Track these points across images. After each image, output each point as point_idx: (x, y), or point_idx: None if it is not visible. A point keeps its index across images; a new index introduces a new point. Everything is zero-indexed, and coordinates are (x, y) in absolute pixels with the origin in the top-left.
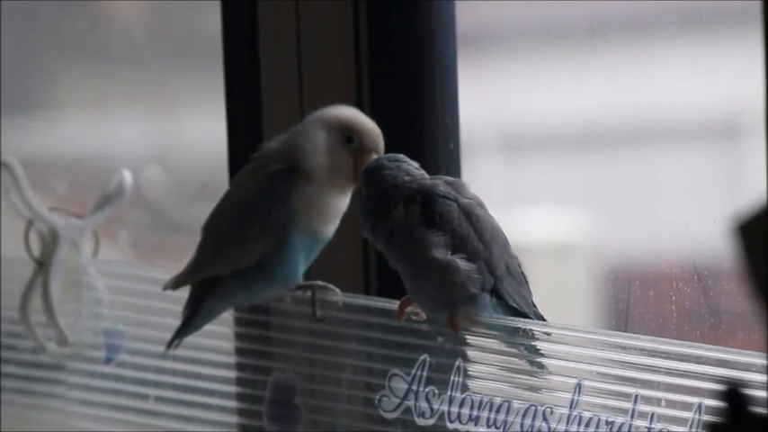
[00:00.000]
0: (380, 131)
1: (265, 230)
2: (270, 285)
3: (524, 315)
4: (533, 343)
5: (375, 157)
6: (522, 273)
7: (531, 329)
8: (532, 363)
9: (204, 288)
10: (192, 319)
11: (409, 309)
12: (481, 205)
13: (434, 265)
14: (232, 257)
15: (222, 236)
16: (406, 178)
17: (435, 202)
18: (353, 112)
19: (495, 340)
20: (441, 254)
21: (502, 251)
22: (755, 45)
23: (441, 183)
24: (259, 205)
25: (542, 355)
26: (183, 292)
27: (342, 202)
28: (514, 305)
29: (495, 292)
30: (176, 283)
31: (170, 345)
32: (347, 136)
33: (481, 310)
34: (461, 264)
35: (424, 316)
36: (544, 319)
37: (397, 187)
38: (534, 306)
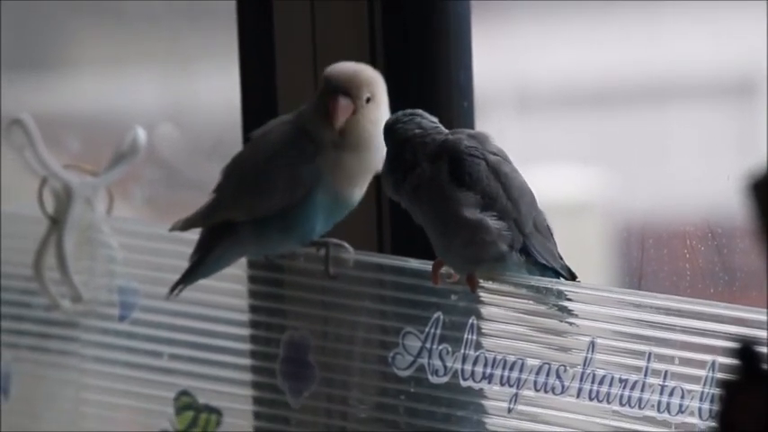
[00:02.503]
0: (353, 71)
1: (290, 183)
2: (285, 239)
3: (552, 269)
4: (558, 297)
5: (339, 97)
6: (548, 226)
7: (555, 288)
8: (561, 308)
9: (216, 233)
10: (201, 264)
11: (443, 270)
12: (507, 160)
13: (465, 224)
14: (251, 203)
15: (244, 180)
16: (417, 131)
17: (464, 161)
18: (336, 64)
19: (509, 298)
20: (471, 213)
21: (530, 208)
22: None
23: (464, 137)
24: (287, 157)
25: (568, 300)
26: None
27: (367, 164)
28: (543, 261)
29: (524, 250)
30: (186, 225)
31: (174, 289)
32: (320, 92)
33: (509, 268)
34: (492, 222)
35: (457, 277)
36: (571, 271)
37: (409, 140)
38: (561, 258)
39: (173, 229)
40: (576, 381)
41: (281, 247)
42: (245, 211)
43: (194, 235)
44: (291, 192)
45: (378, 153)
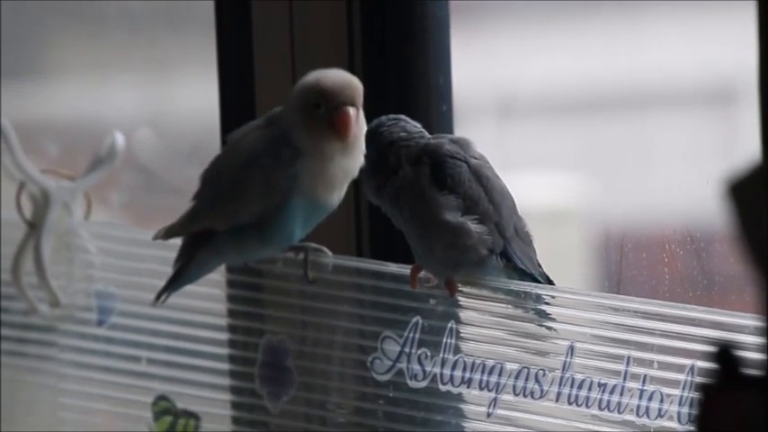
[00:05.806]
0: (350, 80)
1: (266, 190)
2: (264, 246)
3: (531, 276)
4: (536, 302)
5: (349, 109)
6: (528, 232)
7: (533, 292)
8: (539, 313)
9: (197, 241)
10: (183, 272)
11: (422, 274)
12: (489, 166)
13: (446, 228)
14: (228, 213)
15: (221, 189)
16: (402, 134)
17: (445, 164)
18: (316, 75)
19: (488, 302)
20: (452, 216)
21: (511, 212)
22: (749, 9)
23: (446, 141)
24: (262, 164)
25: (547, 304)
26: (175, 253)
27: (347, 170)
28: (522, 267)
29: (504, 254)
30: (168, 234)
31: (159, 297)
32: (314, 103)
33: (488, 273)
34: (473, 226)
35: (436, 282)
36: (549, 278)
37: (393, 144)
38: (540, 266)
39: (155, 237)
40: (554, 385)
41: (261, 255)
42: (222, 220)
43: (173, 240)
44: (268, 199)
45: (358, 158)
